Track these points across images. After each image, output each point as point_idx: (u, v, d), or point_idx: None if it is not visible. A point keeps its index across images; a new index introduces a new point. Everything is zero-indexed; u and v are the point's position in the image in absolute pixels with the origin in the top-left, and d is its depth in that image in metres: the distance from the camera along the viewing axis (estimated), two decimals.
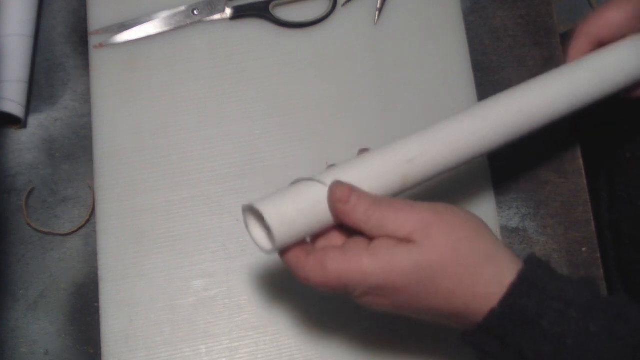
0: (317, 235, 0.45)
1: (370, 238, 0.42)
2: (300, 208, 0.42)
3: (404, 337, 0.56)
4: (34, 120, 0.62)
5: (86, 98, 0.62)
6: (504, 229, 0.61)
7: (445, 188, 0.58)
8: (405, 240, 0.41)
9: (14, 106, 0.60)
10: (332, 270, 0.41)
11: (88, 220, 0.60)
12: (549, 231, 0.61)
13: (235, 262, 0.58)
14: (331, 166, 0.46)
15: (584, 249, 0.61)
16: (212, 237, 0.58)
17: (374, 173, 0.44)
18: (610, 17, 0.51)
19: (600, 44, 0.52)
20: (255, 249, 0.57)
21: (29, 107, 0.62)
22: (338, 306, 0.57)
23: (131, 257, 0.57)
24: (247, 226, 0.44)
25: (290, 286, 0.57)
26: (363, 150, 0.47)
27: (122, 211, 0.58)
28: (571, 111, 0.50)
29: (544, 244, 0.61)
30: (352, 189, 0.42)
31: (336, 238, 0.44)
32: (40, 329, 0.58)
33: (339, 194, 0.42)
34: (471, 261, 0.41)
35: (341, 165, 0.45)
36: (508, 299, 0.40)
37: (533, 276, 0.41)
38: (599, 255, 0.61)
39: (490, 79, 0.64)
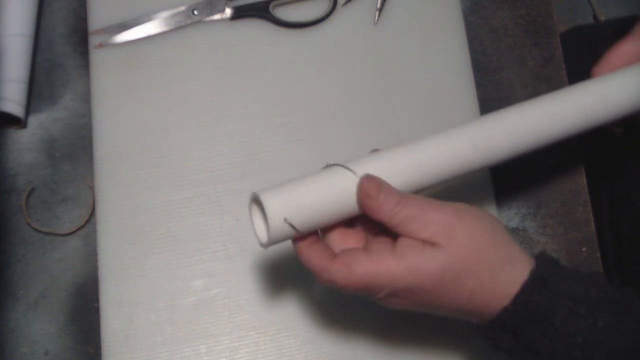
0: (329, 230, 0.45)
1: (391, 235, 0.44)
2: (318, 198, 0.43)
3: (406, 334, 0.56)
4: (34, 120, 0.62)
5: (86, 98, 0.62)
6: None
7: (445, 188, 0.58)
8: (429, 242, 0.42)
9: (14, 106, 0.60)
10: (359, 273, 0.42)
11: (88, 220, 0.60)
12: (549, 231, 0.61)
13: (235, 262, 0.58)
14: (374, 151, 0.47)
15: (584, 249, 0.61)
16: (212, 237, 0.58)
17: (400, 168, 0.45)
18: (627, 49, 0.53)
19: None
20: (255, 249, 0.58)
21: (29, 107, 0.62)
22: (338, 306, 0.57)
23: (131, 257, 0.57)
24: (250, 214, 0.45)
25: (291, 286, 0.57)
26: (375, 151, 0.47)
27: (122, 211, 0.58)
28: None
29: (544, 244, 0.61)
30: (380, 186, 0.43)
31: (352, 237, 0.45)
32: (40, 329, 0.58)
33: (368, 189, 0.43)
34: (492, 263, 0.43)
35: (374, 156, 0.46)
36: (520, 297, 0.42)
37: (544, 274, 0.43)
38: (599, 255, 0.61)
39: (490, 79, 0.64)
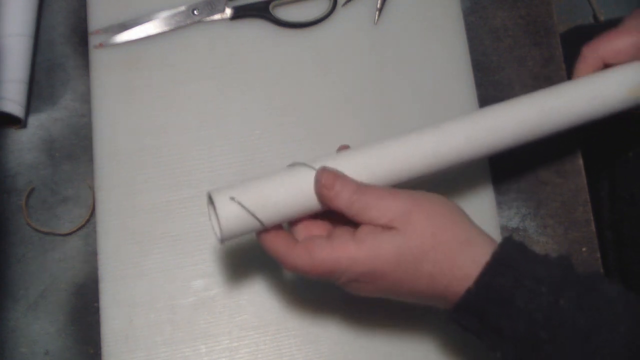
0: (294, 223, 0.47)
1: (354, 225, 0.45)
2: (279, 194, 0.45)
3: (406, 334, 0.56)
4: (34, 120, 0.62)
5: (86, 98, 0.62)
6: (504, 229, 0.61)
7: (445, 188, 0.58)
8: (387, 227, 0.44)
9: (14, 106, 0.60)
10: (319, 258, 0.44)
11: (88, 220, 0.60)
12: (549, 231, 0.61)
13: (235, 262, 0.58)
14: (341, 148, 0.49)
15: (584, 249, 0.61)
16: (212, 237, 0.58)
17: (364, 164, 0.47)
18: (616, 44, 0.53)
19: (605, 65, 0.54)
20: (255, 249, 0.58)
21: (29, 107, 0.62)
22: (338, 306, 0.57)
23: (131, 257, 0.57)
24: (209, 213, 0.47)
25: (291, 286, 0.57)
26: (343, 147, 0.50)
27: (122, 211, 0.58)
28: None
29: (544, 244, 0.61)
30: (337, 176, 0.45)
31: (317, 228, 0.47)
32: (40, 329, 0.58)
33: (324, 179, 0.45)
34: (449, 246, 0.44)
35: (335, 154, 0.48)
36: (483, 279, 0.43)
37: (507, 257, 0.43)
38: (599, 255, 0.61)
39: (490, 79, 0.64)
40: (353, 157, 0.47)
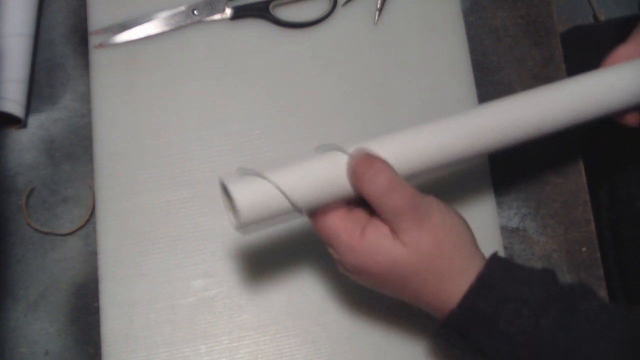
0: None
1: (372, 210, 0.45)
2: (310, 174, 0.43)
3: (406, 334, 0.56)
4: (34, 120, 0.62)
5: (86, 98, 0.62)
6: (504, 229, 0.61)
7: (445, 188, 0.58)
8: (395, 233, 0.44)
9: (14, 106, 0.60)
10: (328, 226, 0.44)
11: (88, 220, 0.60)
12: (549, 231, 0.61)
13: (235, 262, 0.58)
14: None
15: (584, 249, 0.61)
16: (212, 237, 0.58)
17: (397, 148, 0.45)
18: (629, 53, 0.52)
19: None
20: (255, 249, 0.58)
21: (29, 107, 0.62)
22: (338, 306, 0.57)
23: (131, 257, 0.57)
24: (225, 202, 0.45)
25: (291, 286, 0.57)
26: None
27: (122, 211, 0.58)
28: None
29: (544, 244, 0.61)
30: (372, 161, 0.44)
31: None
32: (40, 329, 0.58)
33: (359, 163, 0.44)
34: (442, 272, 0.44)
35: (372, 139, 0.46)
36: (466, 301, 0.43)
37: (491, 278, 0.44)
38: (599, 255, 0.61)
39: (490, 79, 0.64)
40: (386, 141, 0.46)
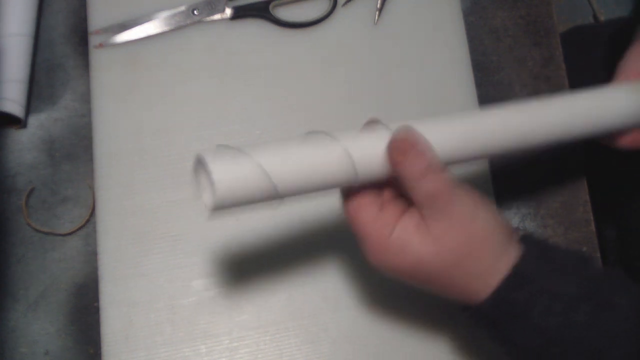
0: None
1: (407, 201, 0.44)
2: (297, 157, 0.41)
3: (407, 335, 0.56)
4: (34, 120, 0.62)
5: (86, 98, 0.62)
6: None
7: None
8: (425, 226, 0.43)
9: (14, 106, 0.60)
10: (358, 221, 0.44)
11: (88, 220, 0.60)
12: (549, 231, 0.61)
13: (235, 262, 0.58)
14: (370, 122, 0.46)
15: (584, 249, 0.61)
16: (212, 237, 0.58)
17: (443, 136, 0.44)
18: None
19: None
20: (255, 249, 0.58)
21: (29, 107, 0.62)
22: (338, 306, 0.57)
23: (131, 257, 0.57)
24: (197, 176, 0.42)
25: (291, 286, 0.57)
26: (371, 122, 0.46)
27: (122, 211, 0.58)
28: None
29: None
30: (416, 142, 0.42)
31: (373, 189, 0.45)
32: (40, 329, 0.58)
33: (401, 141, 0.42)
34: (469, 272, 0.43)
35: (415, 121, 0.44)
36: (499, 293, 0.43)
37: (525, 270, 0.43)
38: (599, 255, 0.61)
39: (490, 79, 0.64)
40: (429, 125, 0.44)
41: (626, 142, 0.52)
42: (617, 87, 0.51)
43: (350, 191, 0.44)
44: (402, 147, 0.42)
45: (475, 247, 0.43)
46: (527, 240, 0.45)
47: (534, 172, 0.62)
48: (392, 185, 0.45)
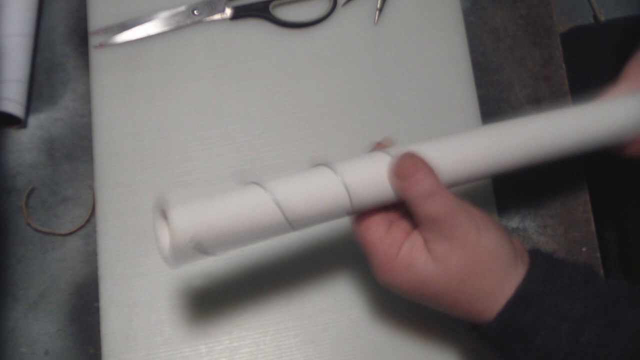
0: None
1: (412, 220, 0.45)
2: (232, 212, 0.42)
3: (407, 335, 0.56)
4: (34, 120, 0.62)
5: (86, 98, 0.62)
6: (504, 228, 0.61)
7: None
8: (429, 250, 0.43)
9: (14, 106, 0.60)
10: (367, 240, 0.45)
11: (88, 220, 0.60)
12: (549, 231, 0.61)
13: (235, 262, 0.58)
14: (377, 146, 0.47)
15: (584, 249, 0.61)
16: None
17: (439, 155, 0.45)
18: None
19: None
20: (255, 249, 0.58)
21: (29, 107, 0.62)
22: (338, 306, 0.57)
23: (131, 257, 0.57)
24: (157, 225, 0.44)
25: (291, 286, 0.57)
26: (378, 145, 0.47)
27: (122, 211, 0.58)
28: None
29: (544, 244, 0.61)
30: (419, 166, 0.43)
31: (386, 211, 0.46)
32: (40, 329, 0.58)
33: (406, 167, 0.43)
34: (471, 294, 0.44)
35: (416, 143, 0.45)
36: (504, 315, 0.43)
37: (530, 293, 0.43)
38: (599, 255, 0.61)
39: (490, 79, 0.64)
40: (431, 147, 0.45)
41: (630, 152, 0.52)
42: (618, 98, 0.51)
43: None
44: (404, 172, 0.43)
45: (478, 270, 0.43)
46: (533, 258, 0.45)
47: (534, 172, 0.62)
48: (399, 205, 0.45)
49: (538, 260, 0.45)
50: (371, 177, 0.44)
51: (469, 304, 0.44)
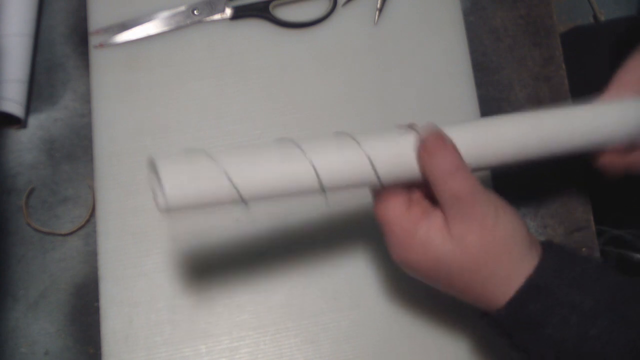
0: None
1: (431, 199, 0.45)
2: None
3: (407, 335, 0.56)
4: (34, 120, 0.62)
5: (86, 98, 0.62)
6: None
7: None
8: (446, 221, 0.44)
9: (14, 106, 0.60)
10: (386, 218, 0.45)
11: (88, 220, 0.60)
12: (549, 231, 0.61)
13: (235, 262, 0.58)
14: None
15: (584, 249, 0.61)
16: (212, 237, 0.58)
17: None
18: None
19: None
20: (255, 249, 0.58)
21: (29, 107, 0.62)
22: (338, 306, 0.57)
23: (131, 257, 0.57)
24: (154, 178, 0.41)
25: (291, 286, 0.57)
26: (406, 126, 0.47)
27: (122, 211, 0.58)
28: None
29: None
30: (444, 144, 0.44)
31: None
32: (40, 329, 0.58)
33: (429, 142, 0.44)
34: (486, 276, 0.44)
35: (443, 126, 0.46)
36: (514, 303, 0.43)
37: (540, 282, 0.43)
38: (599, 255, 0.61)
39: (490, 79, 0.64)
40: (456, 130, 0.46)
41: (602, 162, 0.51)
42: (603, 104, 0.50)
43: (380, 189, 0.45)
44: (431, 148, 0.43)
45: (495, 251, 0.43)
46: (546, 249, 0.45)
47: (534, 172, 0.62)
48: (421, 187, 0.46)
49: (551, 251, 0.45)
50: (397, 152, 0.44)
51: (482, 287, 0.44)
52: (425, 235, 0.44)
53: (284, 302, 0.57)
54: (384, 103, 0.61)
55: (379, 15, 0.63)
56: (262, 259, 0.58)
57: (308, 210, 0.58)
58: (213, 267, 0.57)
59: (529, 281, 0.43)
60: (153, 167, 0.40)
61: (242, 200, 0.42)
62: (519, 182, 0.62)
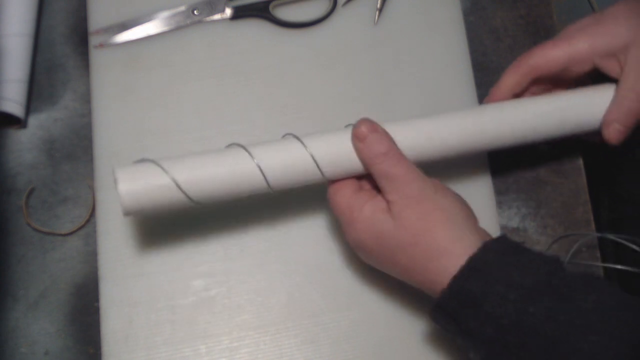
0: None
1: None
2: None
3: (407, 335, 0.56)
4: (34, 120, 0.62)
5: (86, 98, 0.62)
6: (504, 228, 0.61)
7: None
8: (387, 206, 0.48)
9: (14, 106, 0.60)
10: (336, 201, 0.50)
11: (88, 220, 0.60)
12: (549, 231, 0.61)
13: (235, 262, 0.58)
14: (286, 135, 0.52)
15: (584, 249, 0.61)
16: (212, 237, 0.58)
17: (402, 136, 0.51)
18: (551, 54, 0.54)
19: (536, 77, 0.55)
20: (255, 249, 0.58)
21: (29, 107, 0.62)
22: (338, 306, 0.57)
23: (131, 257, 0.57)
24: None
25: (291, 286, 0.57)
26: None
27: None
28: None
29: (544, 244, 0.61)
30: (375, 129, 0.49)
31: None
32: (40, 329, 0.58)
33: (361, 129, 0.48)
34: (428, 250, 0.46)
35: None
36: (456, 282, 0.44)
37: (480, 262, 0.44)
38: (599, 255, 0.61)
39: (490, 79, 0.64)
40: (391, 126, 0.50)
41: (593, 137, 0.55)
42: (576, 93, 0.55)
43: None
44: (361, 134, 0.48)
45: (431, 224, 0.46)
46: (496, 238, 0.46)
47: (534, 172, 0.62)
48: (370, 179, 0.50)
49: (500, 239, 0.46)
50: (337, 147, 0.49)
51: (423, 262, 0.46)
52: (369, 214, 0.47)
53: (284, 302, 0.57)
54: (384, 103, 0.61)
55: (379, 15, 0.63)
56: (262, 259, 0.58)
57: (308, 211, 0.58)
58: (213, 266, 0.57)
59: (470, 260, 0.44)
60: (114, 176, 0.47)
61: (194, 203, 0.48)
62: (519, 182, 0.62)
